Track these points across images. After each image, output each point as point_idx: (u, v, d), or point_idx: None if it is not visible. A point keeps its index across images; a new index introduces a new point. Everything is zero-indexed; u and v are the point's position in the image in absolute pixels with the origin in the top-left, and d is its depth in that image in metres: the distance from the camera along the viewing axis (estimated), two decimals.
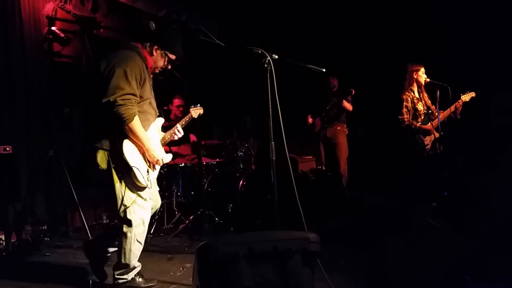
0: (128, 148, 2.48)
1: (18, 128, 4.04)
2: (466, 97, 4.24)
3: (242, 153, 4.66)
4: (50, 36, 4.27)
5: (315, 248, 1.94)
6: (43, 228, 4.04)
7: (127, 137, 2.48)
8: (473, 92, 4.24)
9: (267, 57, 2.35)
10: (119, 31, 5.10)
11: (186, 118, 3.16)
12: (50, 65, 4.35)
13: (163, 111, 4.40)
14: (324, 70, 2.61)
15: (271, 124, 2.35)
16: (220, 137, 5.14)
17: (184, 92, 5.03)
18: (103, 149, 2.50)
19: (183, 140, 4.92)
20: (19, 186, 3.91)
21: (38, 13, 4.27)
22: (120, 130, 2.45)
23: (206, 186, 4.36)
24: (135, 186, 2.55)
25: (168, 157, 2.74)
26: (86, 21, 4.61)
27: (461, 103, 4.21)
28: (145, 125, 2.59)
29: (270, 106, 2.34)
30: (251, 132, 4.86)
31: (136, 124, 2.43)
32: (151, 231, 4.03)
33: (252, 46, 2.40)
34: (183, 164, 4.62)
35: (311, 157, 5.77)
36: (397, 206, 4.41)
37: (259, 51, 2.39)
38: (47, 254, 3.58)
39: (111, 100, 2.36)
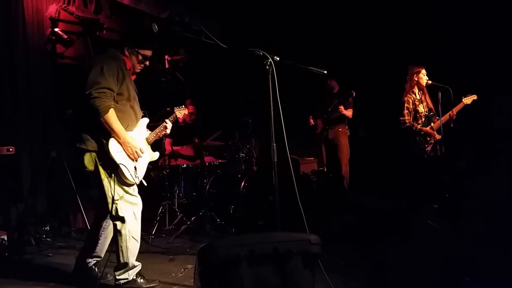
0: (114, 147, 2.55)
1: (21, 129, 4.07)
2: (467, 100, 4.22)
3: (243, 154, 4.67)
4: (53, 38, 4.30)
5: (316, 250, 1.95)
6: (46, 228, 4.05)
7: (111, 136, 2.55)
8: (474, 95, 4.22)
9: (269, 59, 2.36)
10: (121, 32, 5.11)
11: (171, 118, 3.21)
12: (53, 66, 4.38)
13: (165, 112, 4.43)
14: (325, 72, 2.62)
15: (272, 125, 2.36)
16: (222, 138, 5.15)
17: (186, 94, 5.05)
18: (88, 150, 2.57)
19: (186, 141, 4.96)
20: (21, 186, 3.94)
21: (41, 14, 4.29)
22: (103, 129, 2.53)
23: (207, 187, 4.37)
24: (124, 183, 2.61)
25: (154, 155, 2.85)
26: (89, 22, 4.64)
27: (455, 112, 4.19)
28: (129, 124, 2.67)
29: (272, 108, 2.35)
30: (252, 134, 4.87)
31: (111, 116, 2.50)
32: (153, 232, 4.04)
33: (253, 48, 2.42)
34: (185, 165, 4.63)
35: (312, 158, 5.76)
36: (398, 208, 4.41)
37: (261, 53, 2.40)
38: (49, 254, 3.60)
39: (87, 93, 2.47)
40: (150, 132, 2.92)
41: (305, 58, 2.65)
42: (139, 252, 2.77)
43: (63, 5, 4.46)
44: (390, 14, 5.51)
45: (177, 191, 4.50)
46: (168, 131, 3.00)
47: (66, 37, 4.33)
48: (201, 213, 4.12)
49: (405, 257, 2.90)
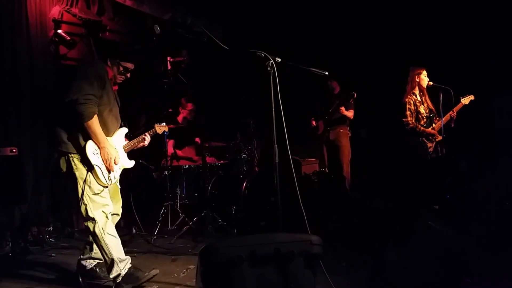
0: (91, 149, 2.64)
1: (24, 130, 4.09)
2: (465, 100, 4.24)
3: (245, 155, 4.68)
4: (56, 39, 4.32)
5: (317, 251, 1.96)
6: (49, 229, 4.08)
7: (91, 138, 2.63)
8: (472, 96, 4.24)
9: (270, 60, 2.38)
10: (124, 34, 5.14)
11: (150, 132, 3.28)
12: (56, 67, 4.40)
13: (167, 113, 4.45)
14: (326, 73, 2.63)
15: (274, 126, 2.37)
16: (224, 139, 5.17)
17: (188, 95, 5.07)
18: (63, 152, 2.66)
19: (187, 142, 4.98)
20: (24, 187, 3.95)
21: (44, 16, 4.31)
22: (84, 131, 2.61)
23: (209, 188, 4.38)
24: (96, 185, 2.67)
25: (129, 163, 2.94)
26: (92, 24, 4.66)
27: (455, 112, 4.20)
28: (108, 129, 2.76)
29: (273, 109, 2.36)
30: (254, 134, 4.88)
31: (94, 122, 2.61)
32: (155, 233, 4.06)
33: (255, 49, 2.43)
34: (187, 166, 4.65)
35: (314, 159, 5.77)
36: (400, 209, 4.40)
37: (262, 54, 2.41)
38: (52, 255, 3.62)
39: (74, 98, 2.55)
40: (127, 141, 3.01)
41: (306, 59, 2.66)
42: (141, 252, 2.79)
43: (66, 7, 4.48)
44: (390, 15, 5.51)
45: (179, 192, 4.51)
46: (146, 143, 3.12)
47: (69, 38, 4.35)
48: (203, 214, 4.14)
49: (406, 258, 2.90)
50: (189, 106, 4.95)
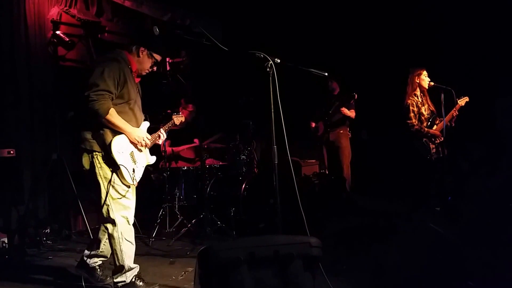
0: (116, 147, 2.56)
1: (22, 132, 4.07)
2: (461, 102, 4.23)
3: (244, 157, 4.66)
4: (55, 40, 4.30)
5: (317, 253, 1.93)
6: (46, 231, 4.05)
7: (115, 136, 2.57)
8: (466, 97, 4.24)
9: (270, 61, 2.37)
10: (123, 35, 5.12)
11: (169, 124, 3.24)
12: (54, 69, 4.38)
13: (166, 114, 4.43)
14: (326, 74, 2.61)
15: (273, 127, 2.35)
16: (223, 141, 5.15)
17: (187, 96, 5.05)
18: (87, 150, 2.59)
19: (186, 143, 4.95)
20: (22, 189, 3.93)
21: (43, 17, 4.30)
22: (107, 128, 2.55)
23: (208, 189, 4.36)
24: (121, 186, 2.61)
25: (152, 158, 2.89)
26: (91, 25, 4.65)
27: (457, 111, 4.18)
28: (136, 125, 2.70)
29: (273, 110, 2.35)
30: (254, 136, 4.86)
31: (113, 115, 2.53)
32: (153, 235, 4.03)
33: (254, 50, 2.41)
34: (185, 168, 4.62)
35: (314, 161, 5.75)
36: (400, 210, 4.38)
37: (262, 55, 2.40)
38: (49, 257, 3.60)
39: (85, 94, 2.49)
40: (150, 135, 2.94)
41: (306, 60, 2.65)
42: (139, 254, 2.77)
43: (65, 8, 4.46)
44: (390, 16, 5.50)
45: (178, 194, 4.49)
46: (160, 141, 3.04)
47: (67, 39, 4.32)
48: (201, 216, 4.11)
49: (407, 260, 2.87)
50: (189, 107, 4.94)
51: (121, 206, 2.62)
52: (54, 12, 4.39)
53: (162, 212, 4.29)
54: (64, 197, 4.22)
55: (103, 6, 4.91)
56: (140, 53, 2.75)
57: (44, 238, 3.96)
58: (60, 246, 3.93)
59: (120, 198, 2.61)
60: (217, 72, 5.85)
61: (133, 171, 2.63)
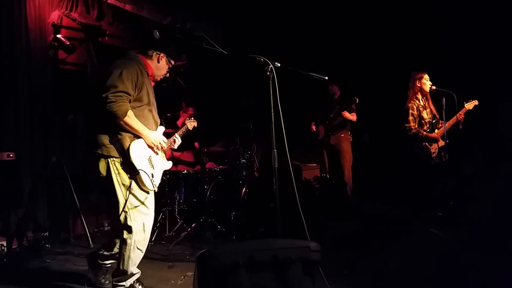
0: (135, 152, 2.51)
1: (22, 135, 4.06)
2: (469, 105, 4.20)
3: (244, 161, 4.64)
4: (55, 44, 4.31)
5: (316, 257, 1.92)
6: (45, 234, 4.03)
7: (133, 140, 2.52)
8: (476, 100, 4.20)
9: (270, 65, 2.36)
10: (124, 39, 5.13)
11: (183, 129, 3.22)
12: (55, 72, 4.39)
13: (166, 118, 4.42)
14: (326, 78, 2.61)
15: (273, 131, 2.34)
16: (223, 144, 5.14)
17: (187, 99, 5.05)
18: (104, 155, 2.52)
19: (186, 147, 4.94)
20: (21, 192, 3.92)
21: (43, 21, 4.31)
22: (125, 132, 2.50)
23: (208, 193, 4.34)
24: (140, 192, 2.56)
25: (168, 164, 2.87)
26: (91, 29, 4.66)
27: (463, 114, 4.17)
28: (149, 129, 2.65)
29: (273, 114, 2.34)
30: (254, 139, 4.85)
31: (130, 117, 2.48)
32: (153, 239, 4.01)
33: (255, 54, 2.41)
34: (185, 171, 4.61)
35: (315, 164, 5.73)
36: (402, 215, 4.36)
37: (262, 59, 2.40)
38: (47, 261, 3.57)
39: (103, 96, 2.42)
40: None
41: (307, 64, 2.64)
42: None
43: (66, 12, 4.48)
44: (391, 18, 5.51)
45: (178, 197, 4.47)
46: (176, 146, 3.00)
47: (68, 43, 4.33)
48: (201, 220, 4.09)
49: (408, 265, 2.85)
50: (190, 110, 4.94)
51: (140, 213, 2.57)
52: (54, 15, 4.40)
53: (161, 216, 4.27)
54: (63, 200, 4.21)
55: (103, 10, 4.93)
56: (160, 59, 2.73)
57: (43, 242, 3.94)
58: (59, 249, 3.91)
59: (139, 206, 2.56)
60: (217, 76, 5.86)
61: (152, 176, 2.58)
